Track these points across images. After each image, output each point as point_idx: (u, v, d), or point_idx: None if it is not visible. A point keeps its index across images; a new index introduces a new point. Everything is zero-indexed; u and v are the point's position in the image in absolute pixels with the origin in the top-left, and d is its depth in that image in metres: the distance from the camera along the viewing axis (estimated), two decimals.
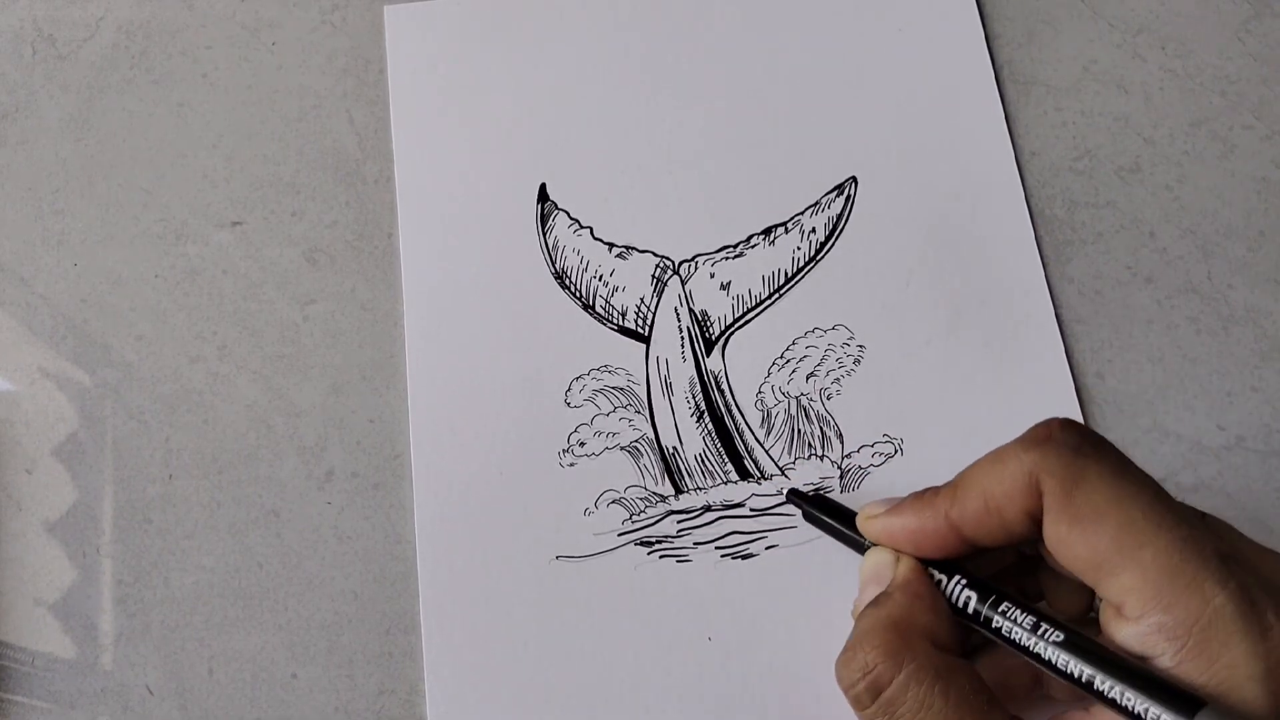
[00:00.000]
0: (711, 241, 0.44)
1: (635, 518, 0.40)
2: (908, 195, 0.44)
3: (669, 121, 0.45)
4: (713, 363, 0.42)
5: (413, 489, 0.40)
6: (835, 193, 0.44)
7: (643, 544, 0.40)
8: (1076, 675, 0.28)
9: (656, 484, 0.40)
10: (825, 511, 0.37)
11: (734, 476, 0.41)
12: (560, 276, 0.43)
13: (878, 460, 0.40)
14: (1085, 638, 0.29)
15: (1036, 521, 0.30)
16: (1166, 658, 0.27)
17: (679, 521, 0.40)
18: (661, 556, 0.40)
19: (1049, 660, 0.29)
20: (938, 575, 0.32)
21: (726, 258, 0.43)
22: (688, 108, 0.45)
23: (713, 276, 0.43)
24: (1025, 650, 0.30)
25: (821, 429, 0.41)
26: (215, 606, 0.40)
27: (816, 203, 0.44)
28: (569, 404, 0.41)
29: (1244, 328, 0.42)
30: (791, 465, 0.41)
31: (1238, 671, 0.26)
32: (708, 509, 0.40)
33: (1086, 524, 0.29)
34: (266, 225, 0.44)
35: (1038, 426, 0.30)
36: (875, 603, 0.32)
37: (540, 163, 0.45)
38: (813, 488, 0.40)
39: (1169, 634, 0.27)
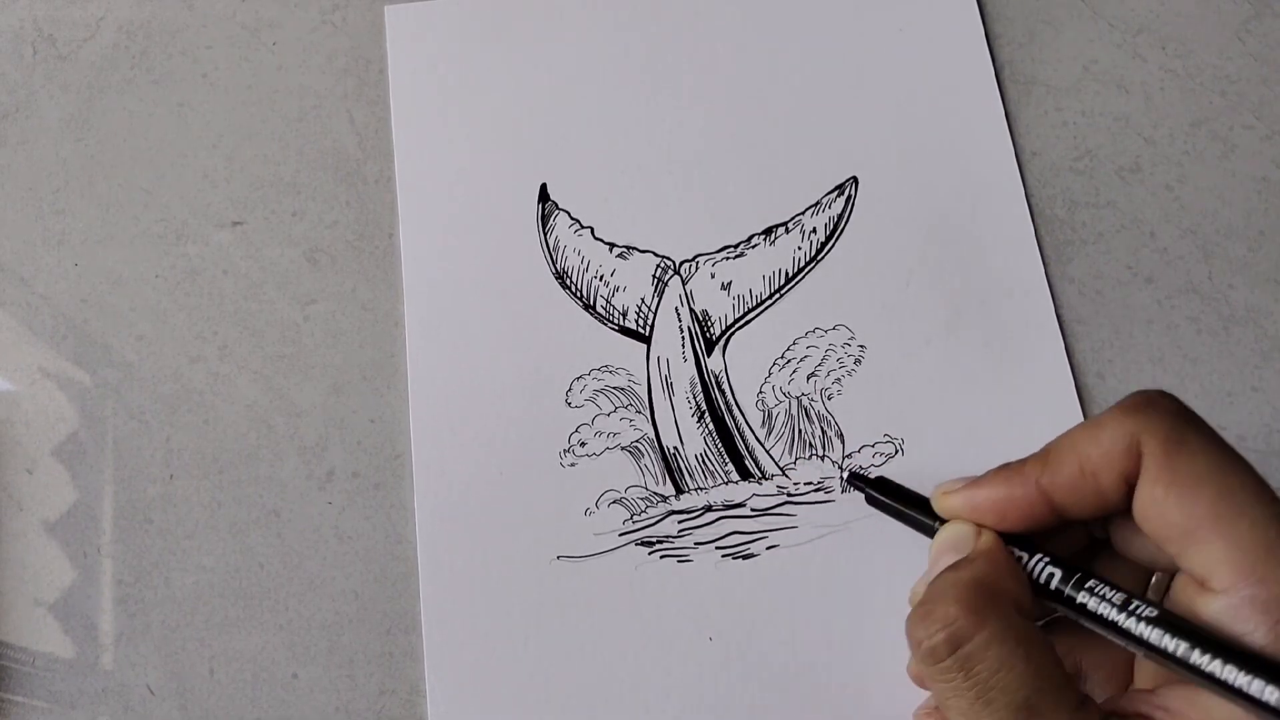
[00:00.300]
0: (712, 241, 0.44)
1: (636, 518, 0.40)
2: (908, 195, 0.44)
3: (669, 121, 0.45)
4: (713, 363, 0.42)
5: (413, 489, 0.40)
6: (836, 193, 0.44)
7: (643, 544, 0.40)
8: (1172, 650, 0.28)
9: (657, 484, 0.40)
10: (889, 494, 0.36)
11: (735, 476, 0.41)
12: (561, 276, 0.43)
13: (878, 460, 0.40)
14: (1177, 615, 0.28)
15: (1130, 488, 0.30)
16: (1260, 634, 0.27)
17: (680, 521, 0.40)
18: (662, 556, 0.40)
19: (1140, 636, 0.28)
20: (1019, 552, 0.31)
21: (727, 258, 0.43)
22: (688, 108, 0.45)
23: (713, 276, 0.43)
24: (1114, 627, 0.29)
25: (822, 429, 0.41)
26: (216, 606, 0.40)
27: (817, 203, 0.44)
28: (570, 404, 0.41)
29: (1244, 328, 0.42)
30: (792, 465, 0.41)
31: None
32: (708, 509, 0.40)
33: (1185, 488, 0.28)
34: (267, 225, 0.44)
35: (1137, 394, 0.30)
36: (954, 567, 0.31)
37: (540, 163, 0.45)
38: (813, 487, 0.40)
39: (1263, 608, 0.27)
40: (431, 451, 0.41)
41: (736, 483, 0.41)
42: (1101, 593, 0.29)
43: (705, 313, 0.43)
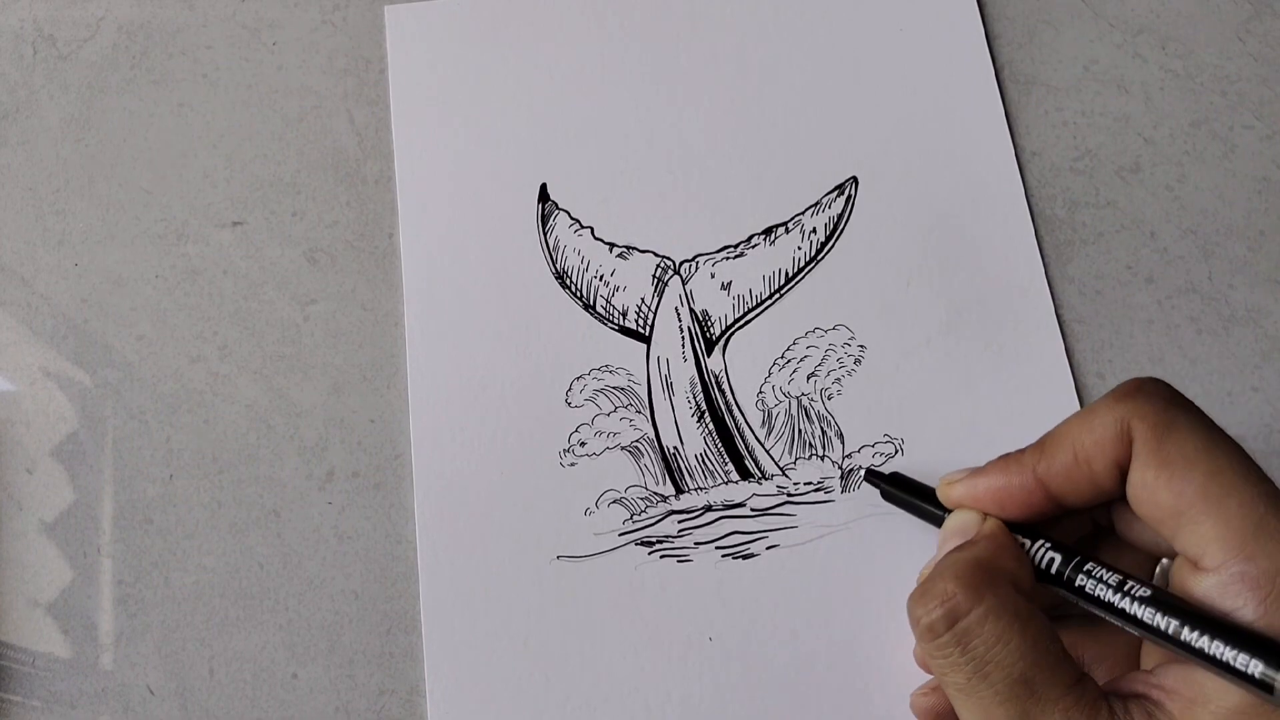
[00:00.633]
0: (712, 241, 0.44)
1: (636, 517, 0.40)
2: (908, 195, 0.44)
3: (669, 121, 0.45)
4: (713, 362, 0.42)
5: (413, 489, 0.40)
6: (836, 193, 0.44)
7: (643, 544, 0.40)
8: (1163, 628, 0.28)
9: (657, 484, 0.40)
10: (903, 489, 0.37)
11: (735, 476, 0.41)
12: (561, 276, 0.43)
13: (878, 460, 0.40)
14: (1170, 594, 0.29)
15: (1124, 473, 0.30)
16: (1249, 609, 0.27)
17: (680, 521, 0.40)
18: (662, 556, 0.40)
19: (1134, 615, 0.29)
20: (1021, 539, 0.32)
21: (727, 258, 0.43)
22: (688, 108, 0.45)
23: (713, 276, 0.43)
24: (1110, 608, 0.30)
25: (822, 429, 0.41)
26: (216, 606, 0.40)
27: (817, 203, 0.44)
28: (570, 404, 0.41)
29: (1244, 328, 0.42)
30: (792, 465, 0.41)
31: None
32: (708, 509, 0.40)
33: (1175, 469, 0.29)
34: (267, 225, 0.44)
35: (1127, 382, 0.31)
36: (957, 549, 0.32)
37: (540, 163, 0.45)
38: (813, 487, 0.40)
39: (1251, 584, 0.27)
40: (431, 451, 0.41)
41: (736, 483, 0.41)
42: (1099, 575, 0.30)
43: (705, 313, 0.43)
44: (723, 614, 0.39)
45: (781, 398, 0.42)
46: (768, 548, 0.40)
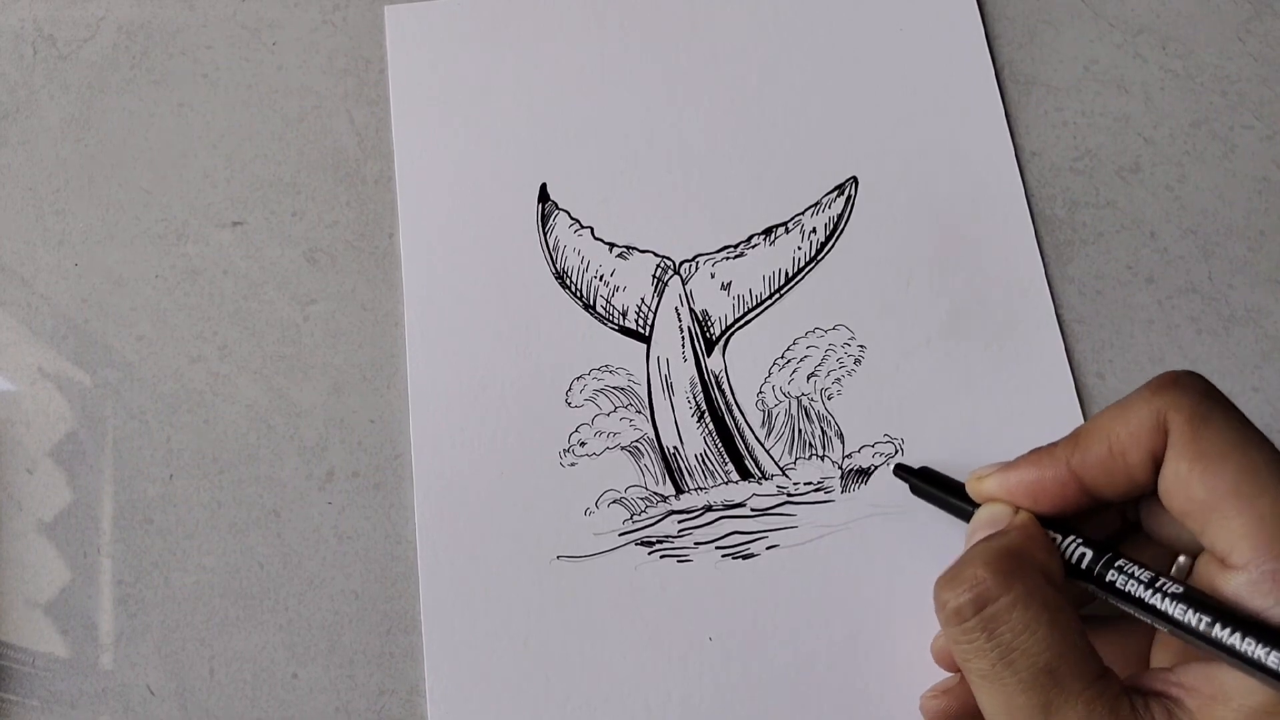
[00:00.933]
0: (712, 241, 0.44)
1: (636, 518, 0.40)
2: (908, 195, 0.44)
3: (669, 121, 0.45)
4: (713, 363, 0.42)
5: (413, 489, 0.40)
6: (836, 193, 0.44)
7: (643, 544, 0.40)
8: (1195, 625, 0.28)
9: (657, 484, 0.40)
10: (933, 483, 0.37)
11: (735, 476, 0.41)
12: (561, 276, 0.43)
13: (878, 460, 0.40)
14: (1202, 592, 0.29)
15: (1158, 466, 0.30)
16: None
17: (680, 521, 0.40)
18: (662, 556, 0.40)
19: (1166, 613, 0.29)
20: (1052, 533, 0.32)
21: (727, 258, 0.43)
22: (688, 108, 0.45)
23: (713, 276, 0.43)
24: (1141, 604, 0.30)
25: (822, 429, 0.41)
26: (216, 606, 0.40)
27: (817, 203, 0.44)
28: (569, 404, 0.41)
29: (1244, 328, 0.42)
30: (792, 465, 0.41)
31: None
32: (708, 509, 0.40)
33: (1209, 462, 0.29)
34: (267, 225, 0.44)
35: (1163, 375, 0.31)
36: (987, 538, 0.32)
37: (540, 163, 0.45)
38: (813, 487, 0.40)
39: None
40: (431, 451, 0.41)
41: (736, 483, 0.41)
42: (1130, 571, 0.30)
43: (705, 313, 0.43)
44: (723, 614, 0.39)
45: (781, 398, 0.42)
46: (768, 548, 0.40)
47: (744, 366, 0.42)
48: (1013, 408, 0.41)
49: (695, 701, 0.38)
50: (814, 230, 0.44)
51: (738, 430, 0.41)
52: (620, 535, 0.40)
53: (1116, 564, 0.31)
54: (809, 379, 0.42)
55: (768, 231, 0.44)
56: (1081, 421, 0.41)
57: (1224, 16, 0.47)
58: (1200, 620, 0.28)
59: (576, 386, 0.42)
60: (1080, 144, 0.45)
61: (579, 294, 0.43)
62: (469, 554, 0.40)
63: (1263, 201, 0.44)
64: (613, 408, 0.41)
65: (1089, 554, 0.31)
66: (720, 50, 0.46)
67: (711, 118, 0.45)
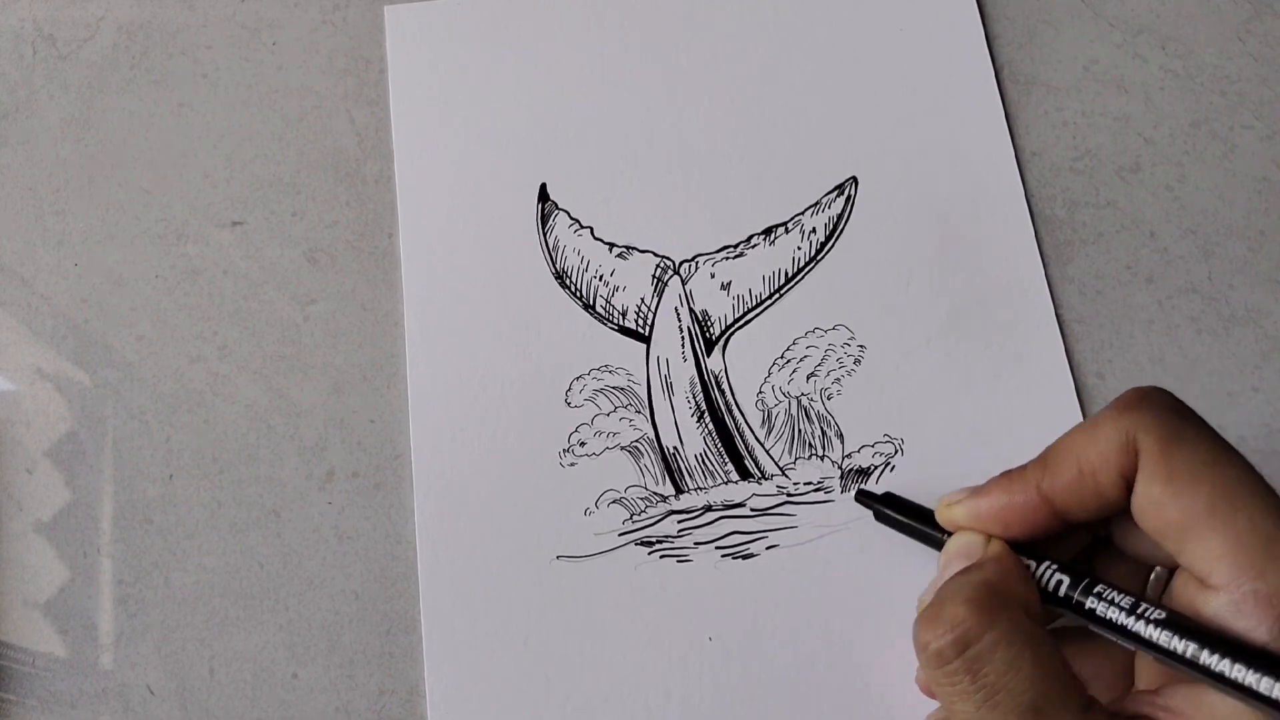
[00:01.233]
0: (712, 241, 0.44)
1: (636, 517, 0.40)
2: (908, 195, 0.44)
3: (669, 121, 0.45)
4: (713, 363, 0.42)
5: (413, 489, 0.40)
6: (835, 193, 0.44)
7: (643, 544, 0.40)
8: (1180, 652, 0.28)
9: (657, 484, 0.40)
10: (897, 509, 0.37)
11: (734, 476, 0.41)
12: (560, 276, 0.43)
13: (878, 460, 0.40)
14: (1185, 616, 0.28)
15: (1130, 486, 0.29)
16: (1264, 630, 0.27)
17: (679, 521, 0.40)
18: (662, 556, 0.40)
19: (1150, 639, 0.28)
20: (1026, 560, 0.32)
21: (727, 258, 0.43)
22: (688, 107, 0.45)
23: (713, 276, 0.43)
24: (1123, 631, 0.29)
25: (822, 429, 0.41)
26: (216, 606, 0.40)
27: (817, 203, 0.44)
28: (569, 404, 0.41)
29: (1244, 328, 0.42)
30: (792, 465, 0.41)
31: None
32: (708, 509, 0.40)
33: (1182, 484, 0.28)
34: (267, 225, 0.44)
35: (1131, 391, 0.30)
36: (963, 571, 0.31)
37: (540, 163, 0.45)
38: (813, 487, 0.40)
39: (1265, 603, 0.27)
40: (431, 451, 0.41)
41: (736, 483, 0.41)
42: (1110, 597, 0.30)
43: (705, 313, 0.43)
44: (723, 614, 0.39)
45: (781, 398, 0.42)
46: (768, 548, 0.40)
47: (744, 366, 0.42)
48: (1013, 408, 0.41)
49: (695, 701, 0.38)
50: (814, 230, 0.44)
51: (737, 430, 0.41)
52: (620, 535, 0.40)
53: (1095, 590, 0.30)
54: (809, 379, 0.42)
55: (768, 231, 0.44)
56: (1081, 420, 0.41)
57: (1224, 16, 0.47)
58: (1187, 647, 0.28)
59: (576, 386, 0.42)
60: (1080, 144, 0.45)
61: (579, 294, 0.43)
62: (469, 554, 0.40)
63: (1263, 201, 0.44)
64: (612, 408, 0.41)
65: (1066, 581, 0.31)
66: (720, 50, 0.46)
67: (711, 118, 0.45)
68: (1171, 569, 0.31)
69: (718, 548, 0.40)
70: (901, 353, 0.42)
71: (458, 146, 0.45)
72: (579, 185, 0.44)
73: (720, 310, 0.43)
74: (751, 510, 0.40)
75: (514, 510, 0.40)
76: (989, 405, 0.41)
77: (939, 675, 0.29)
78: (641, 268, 0.43)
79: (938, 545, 0.34)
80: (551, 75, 0.46)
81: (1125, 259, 0.44)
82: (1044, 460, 0.31)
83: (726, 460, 0.41)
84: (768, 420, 0.41)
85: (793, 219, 0.44)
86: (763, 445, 0.41)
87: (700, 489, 0.40)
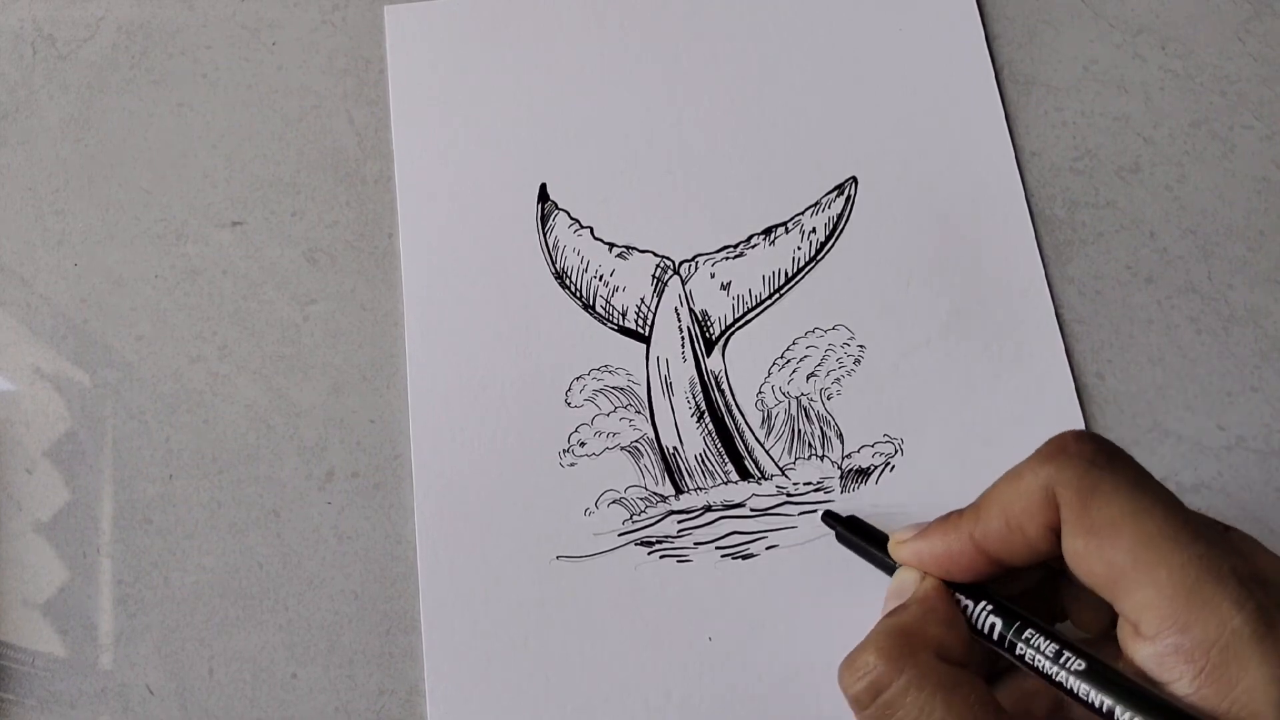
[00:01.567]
0: (712, 241, 0.44)
1: (635, 518, 0.40)
2: (908, 195, 0.44)
3: (669, 121, 0.45)
4: (713, 363, 0.42)
5: (413, 489, 0.40)
6: (835, 193, 0.44)
7: (643, 544, 0.40)
8: (1097, 705, 0.28)
9: (657, 484, 0.40)
10: (858, 534, 0.37)
11: (734, 476, 0.41)
12: (560, 276, 0.43)
13: (878, 460, 0.40)
14: (1107, 666, 0.29)
15: (1058, 536, 0.30)
16: (1184, 682, 0.27)
17: (679, 521, 0.40)
18: (662, 556, 0.40)
19: (1070, 688, 0.29)
20: (964, 600, 0.32)
21: (727, 258, 0.43)
22: (688, 108, 0.45)
23: (713, 276, 0.43)
24: (1047, 677, 0.29)
25: (822, 429, 0.41)
26: (215, 606, 0.40)
27: (817, 203, 0.44)
28: (569, 404, 0.41)
29: (1244, 328, 0.42)
30: (792, 465, 0.41)
31: (1256, 697, 0.26)
32: (708, 509, 0.40)
33: (1102, 537, 0.28)
34: (266, 225, 0.44)
35: (1052, 440, 0.30)
36: (891, 613, 0.32)
37: (540, 163, 0.45)
38: (813, 487, 0.40)
39: (1186, 656, 0.27)
40: (431, 451, 0.41)
41: (736, 483, 0.41)
42: (1036, 644, 0.30)
43: (705, 313, 0.43)
44: (723, 614, 0.39)
45: (781, 398, 0.42)
46: (767, 548, 0.40)
47: (743, 366, 0.42)
48: (1012, 408, 0.41)
49: (695, 701, 0.38)
50: (814, 230, 0.44)
51: (737, 430, 0.41)
52: (620, 535, 0.40)
53: (1024, 635, 0.30)
54: (809, 379, 0.42)
55: (767, 231, 0.44)
56: (1081, 422, 0.41)
57: (1224, 16, 0.47)
58: (1102, 701, 0.28)
59: (576, 386, 0.42)
60: (1080, 144, 0.45)
61: (579, 294, 0.43)
62: (469, 554, 0.40)
63: (1263, 201, 0.44)
64: (612, 408, 0.41)
65: (999, 622, 0.31)
66: (720, 50, 0.46)
67: (711, 118, 0.45)
68: None
69: (717, 548, 0.40)
70: (901, 353, 0.42)
71: (458, 146, 0.45)
72: (579, 185, 0.44)
73: (720, 310, 0.43)
74: (751, 510, 0.40)
75: (514, 510, 0.40)
76: (989, 405, 0.41)
77: (862, 718, 0.30)
78: (641, 268, 0.43)
79: (892, 573, 0.35)
80: (551, 75, 0.46)
81: (1125, 259, 0.44)
82: (976, 508, 0.31)
83: (726, 460, 0.41)
84: (767, 420, 0.41)
85: (793, 219, 0.44)
86: (762, 445, 0.41)
87: (700, 489, 0.40)
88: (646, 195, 0.44)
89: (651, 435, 0.41)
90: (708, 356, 0.42)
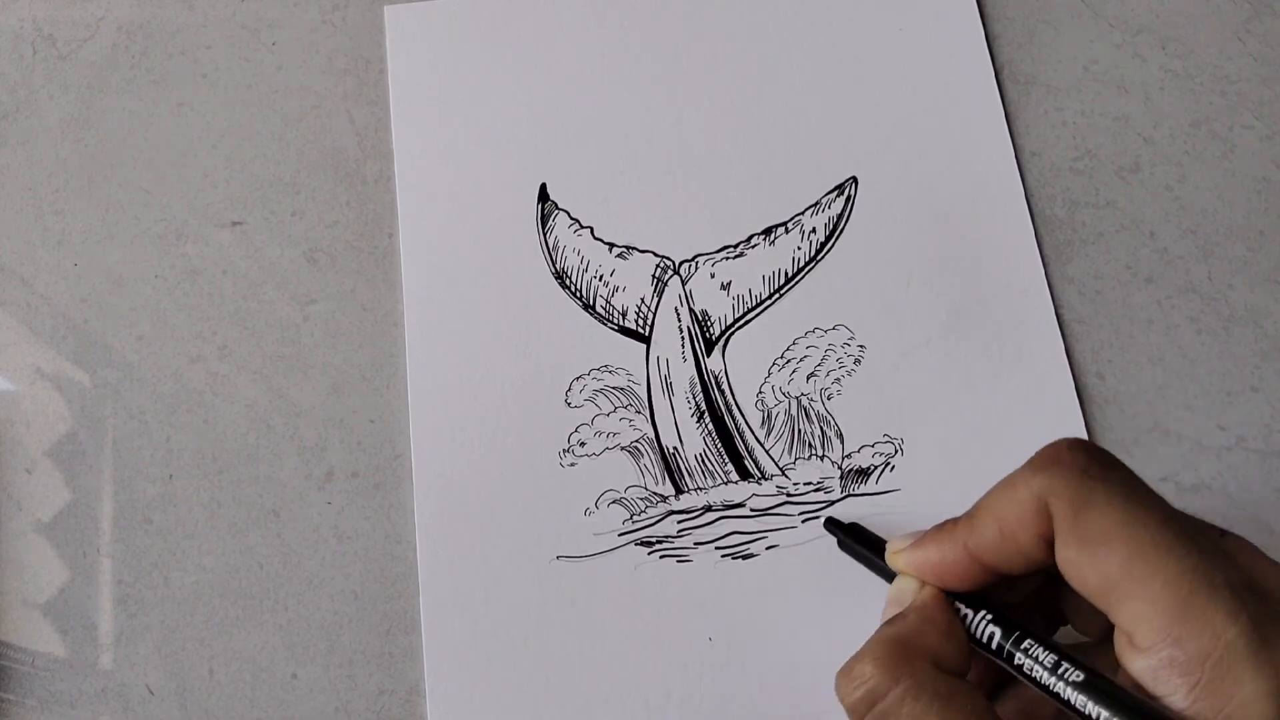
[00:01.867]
0: (712, 241, 0.44)
1: (636, 518, 0.40)
2: (908, 195, 0.44)
3: (669, 121, 0.45)
4: (713, 363, 0.42)
5: (413, 489, 0.40)
6: (835, 193, 0.44)
7: (643, 544, 0.40)
8: (1094, 717, 0.28)
9: (657, 484, 0.40)
10: (859, 541, 0.37)
11: (734, 476, 0.41)
12: (560, 276, 0.43)
13: (878, 460, 0.40)
14: (1105, 679, 0.28)
15: (1052, 545, 0.29)
16: (1179, 696, 0.27)
17: (679, 521, 0.40)
18: (662, 556, 0.40)
19: (1067, 700, 0.29)
20: (964, 609, 0.32)
21: (727, 258, 0.43)
22: (687, 108, 0.45)
23: (713, 276, 0.43)
24: (1045, 689, 0.29)
25: (822, 429, 0.41)
26: (215, 606, 0.40)
27: (817, 203, 0.44)
28: (569, 404, 0.41)
29: (1244, 328, 0.42)
30: (792, 465, 0.41)
31: (1252, 711, 0.25)
32: (708, 509, 0.40)
33: (1096, 548, 0.28)
34: (266, 225, 0.44)
35: (1046, 448, 0.30)
36: (889, 622, 0.32)
37: (540, 163, 0.45)
38: (813, 487, 0.40)
39: (1181, 669, 0.26)
40: (431, 451, 0.41)
41: (736, 483, 0.41)
42: (1035, 654, 0.30)
43: (705, 313, 0.43)
44: (723, 614, 0.39)
45: (781, 398, 0.42)
46: (767, 548, 0.40)
47: (743, 366, 0.42)
48: (1012, 408, 0.41)
49: (695, 701, 0.38)
50: (814, 230, 0.44)
51: (737, 430, 0.41)
52: (620, 535, 0.40)
53: (1023, 646, 0.30)
54: (809, 379, 0.42)
55: (767, 231, 0.44)
56: (1081, 422, 0.41)
57: (1224, 16, 0.47)
58: (1099, 712, 0.28)
59: (576, 386, 0.42)
60: (1080, 144, 0.45)
61: (579, 294, 0.43)
62: (469, 554, 0.40)
63: (1263, 201, 0.44)
64: (612, 408, 0.41)
65: (998, 632, 0.31)
66: (720, 50, 0.46)
67: (711, 118, 0.45)
68: None
69: (718, 548, 0.40)
70: (901, 353, 0.42)
71: (458, 146, 0.45)
72: (579, 185, 0.44)
73: (720, 310, 0.43)
74: (751, 510, 0.40)
75: (514, 510, 0.40)
76: (989, 405, 0.41)
77: None
78: (641, 268, 0.43)
79: (891, 580, 0.35)
80: (551, 75, 0.46)
81: (1125, 259, 0.44)
82: (970, 517, 0.31)
83: (726, 460, 0.41)
84: (767, 420, 0.41)
85: (793, 219, 0.44)
86: (762, 445, 0.41)
87: (700, 489, 0.40)
88: (646, 195, 0.44)
89: (651, 435, 0.41)
90: (708, 356, 0.42)
